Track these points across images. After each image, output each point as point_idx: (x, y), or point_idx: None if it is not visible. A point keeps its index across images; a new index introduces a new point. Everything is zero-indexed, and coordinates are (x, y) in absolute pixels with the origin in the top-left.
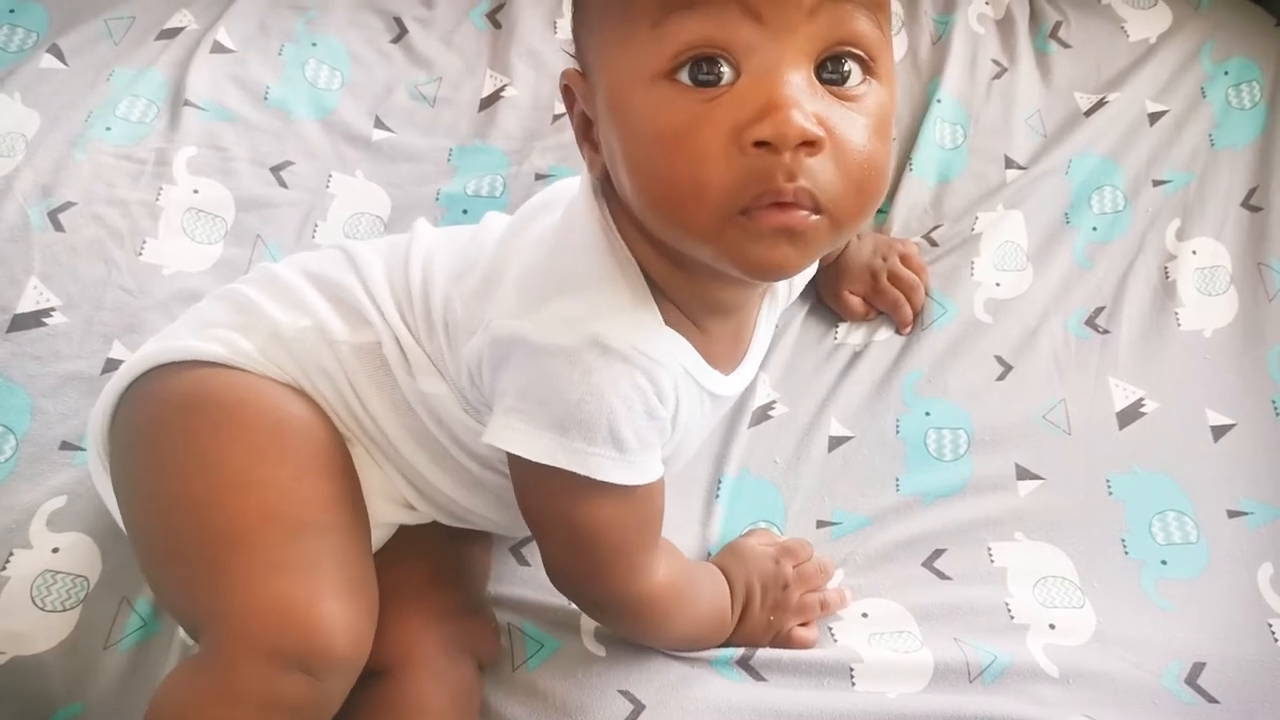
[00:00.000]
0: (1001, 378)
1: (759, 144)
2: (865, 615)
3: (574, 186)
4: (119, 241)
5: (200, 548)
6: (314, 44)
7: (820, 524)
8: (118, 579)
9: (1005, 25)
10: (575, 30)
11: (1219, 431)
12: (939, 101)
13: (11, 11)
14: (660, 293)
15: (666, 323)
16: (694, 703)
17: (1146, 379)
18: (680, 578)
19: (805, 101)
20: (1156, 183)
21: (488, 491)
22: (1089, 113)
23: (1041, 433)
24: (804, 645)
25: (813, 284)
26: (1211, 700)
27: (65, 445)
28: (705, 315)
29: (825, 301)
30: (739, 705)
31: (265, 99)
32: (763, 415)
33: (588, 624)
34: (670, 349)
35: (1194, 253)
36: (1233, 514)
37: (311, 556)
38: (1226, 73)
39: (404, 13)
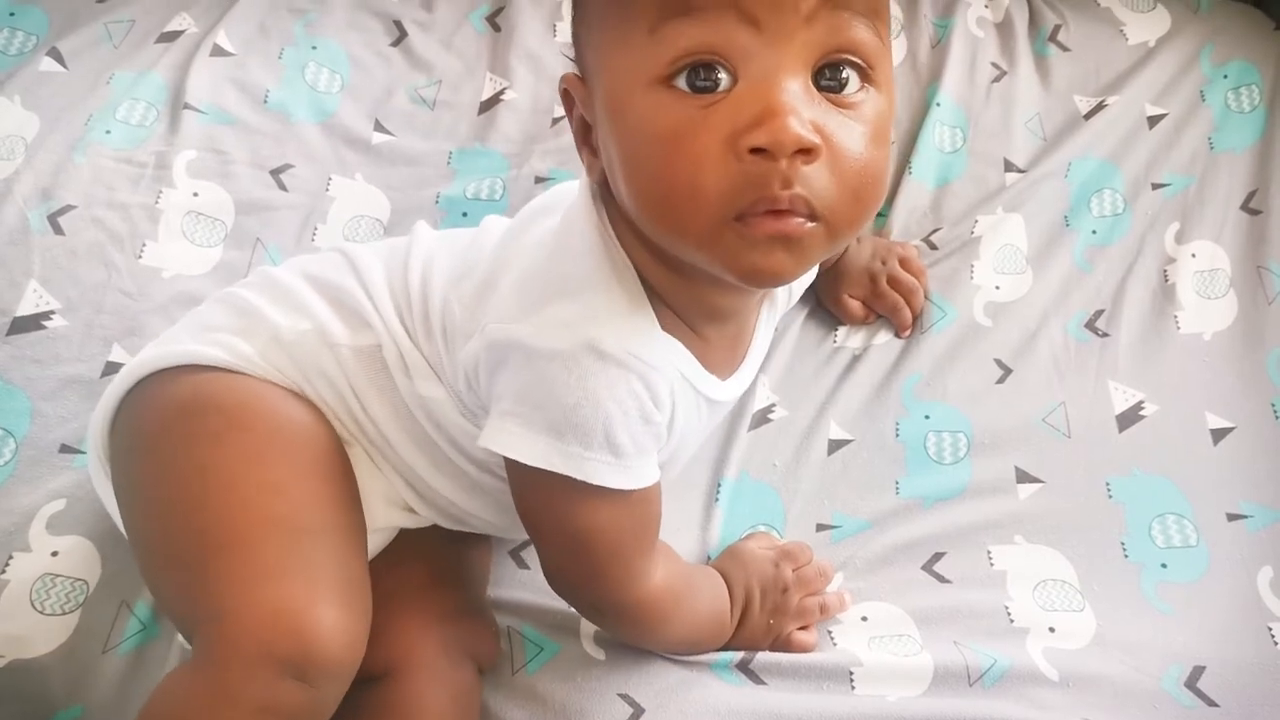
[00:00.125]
0: (1001, 381)
1: (755, 150)
2: (865, 619)
3: (574, 190)
4: (119, 245)
5: (196, 551)
6: (314, 47)
7: (820, 527)
8: (117, 582)
9: (1004, 28)
10: (575, 33)
11: (1219, 434)
12: (938, 105)
13: (11, 15)
14: (657, 298)
15: (663, 328)
16: (693, 706)
17: (1146, 382)
18: (678, 581)
19: (802, 109)
20: (1156, 186)
21: (487, 495)
22: (1088, 116)
23: (1041, 436)
24: (803, 649)
25: (812, 288)
26: (1211, 704)
27: (65, 448)
28: (703, 321)
29: (825, 305)
30: (738, 709)
31: (265, 102)
32: (762, 418)
33: (587, 627)
34: (666, 354)
35: (1193, 256)
36: (1232, 517)
37: (307, 561)
38: (1226, 76)
39: (404, 16)
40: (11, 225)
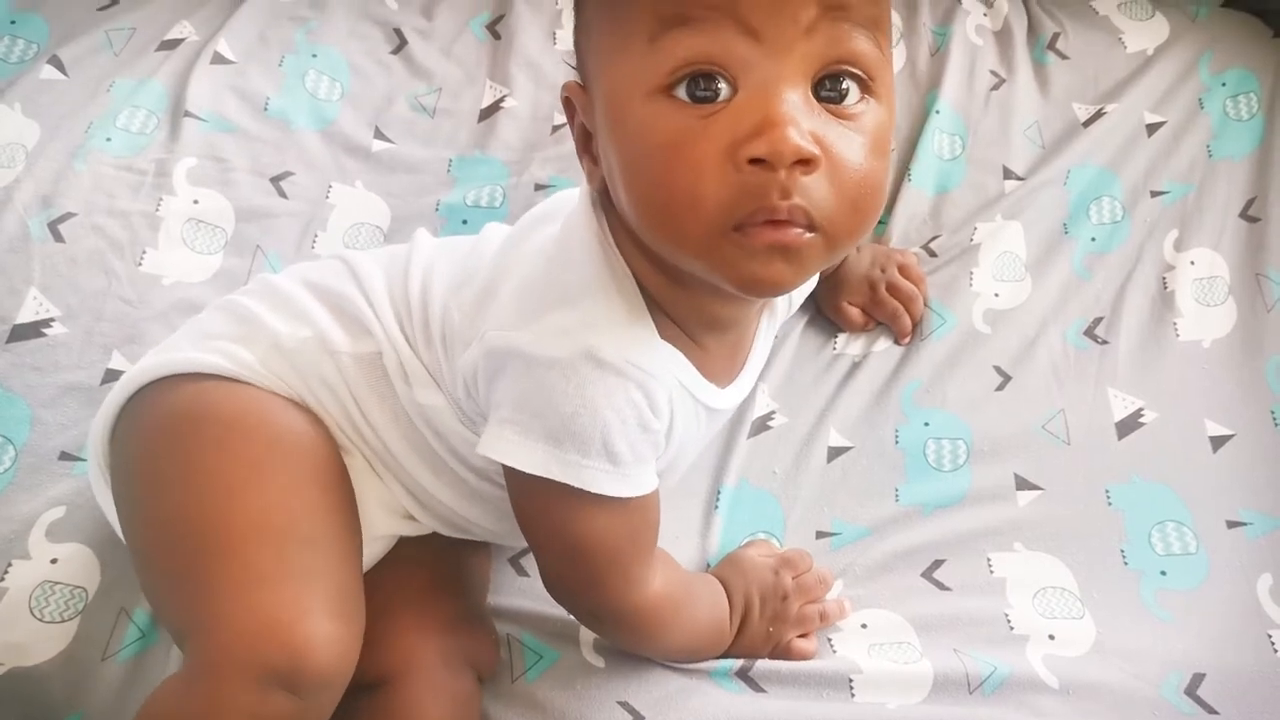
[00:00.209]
0: (1000, 388)
1: (754, 161)
2: (865, 626)
3: (574, 198)
4: (119, 252)
5: (191, 559)
6: (314, 55)
7: (819, 535)
8: (116, 590)
9: (1003, 36)
10: (576, 42)
11: (1218, 442)
12: (937, 112)
13: (12, 22)
14: (656, 306)
15: (662, 336)
16: (693, 714)
17: (1145, 389)
18: (677, 589)
19: (802, 119)
20: (1154, 193)
21: (486, 502)
22: (1087, 124)
23: (1040, 443)
24: (803, 656)
25: (812, 295)
26: (1211, 711)
27: (64, 456)
28: (702, 329)
29: (824, 312)
30: (738, 716)
31: (265, 110)
32: (762, 426)
33: (587, 635)
34: (665, 362)
35: (1192, 263)
36: (1232, 524)
37: (301, 571)
38: (1224, 84)
39: (404, 24)
40: (12, 233)
